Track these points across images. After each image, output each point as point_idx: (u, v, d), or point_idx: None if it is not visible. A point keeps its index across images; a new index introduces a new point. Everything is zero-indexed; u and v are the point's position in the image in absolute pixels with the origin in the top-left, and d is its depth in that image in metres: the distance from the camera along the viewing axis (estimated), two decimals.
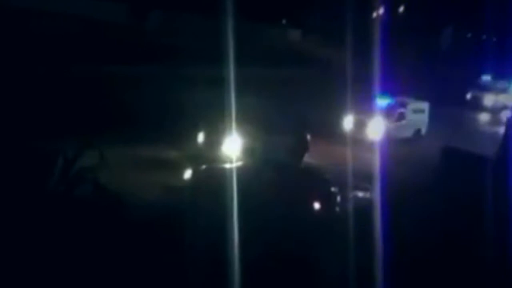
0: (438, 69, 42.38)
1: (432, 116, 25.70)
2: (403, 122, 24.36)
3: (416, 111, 25.18)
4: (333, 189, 12.46)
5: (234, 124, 15.05)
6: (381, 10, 45.98)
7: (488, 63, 41.55)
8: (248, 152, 15.48)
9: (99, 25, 33.02)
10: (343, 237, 10.30)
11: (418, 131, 25.14)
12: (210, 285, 8.60)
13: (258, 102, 20.87)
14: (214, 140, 16.21)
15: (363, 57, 25.69)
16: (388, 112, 23.78)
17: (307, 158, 17.12)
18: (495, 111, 37.55)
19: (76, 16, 33.09)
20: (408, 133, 24.62)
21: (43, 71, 21.17)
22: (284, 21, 50.41)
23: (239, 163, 13.62)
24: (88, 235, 8.78)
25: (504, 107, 37.21)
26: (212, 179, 12.26)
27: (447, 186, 14.81)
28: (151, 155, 16.14)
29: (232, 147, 15.71)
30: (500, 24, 42.41)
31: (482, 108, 38.49)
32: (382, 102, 23.92)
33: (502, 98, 39.37)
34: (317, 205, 11.84)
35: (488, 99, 39.42)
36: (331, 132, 21.66)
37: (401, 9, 53.16)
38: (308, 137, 17.80)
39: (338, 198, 12.45)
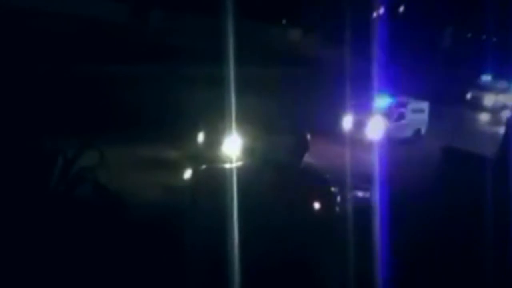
0: (438, 69, 42.43)
1: (432, 116, 25.70)
2: (403, 121, 24.35)
3: (415, 110, 25.16)
4: (333, 189, 12.47)
5: (234, 124, 15.05)
6: (381, 10, 45.97)
7: (488, 63, 41.60)
8: (248, 152, 15.48)
9: (100, 25, 33.02)
10: (343, 237, 10.30)
11: (418, 131, 25.13)
12: (210, 285, 8.60)
13: (258, 102, 20.88)
14: (214, 140, 16.22)
15: (363, 57, 25.72)
16: (387, 111, 23.77)
17: (307, 158, 17.12)
18: (495, 111, 37.61)
19: (77, 16, 33.09)
20: (408, 133, 24.61)
21: (44, 71, 21.16)
22: (284, 21, 50.41)
23: (239, 163, 13.62)
24: (88, 235, 8.78)
25: (504, 107, 37.27)
26: (212, 179, 12.26)
27: (447, 185, 14.82)
28: (151, 155, 16.15)
29: (232, 147, 15.71)
30: (500, 24, 42.41)
31: (482, 108, 38.55)
32: (382, 102, 23.92)
33: (502, 98, 39.43)
34: (317, 205, 11.84)
35: (488, 99, 39.48)
36: (330, 131, 21.66)
37: (401, 9, 53.18)
38: (308, 137, 17.81)
39: (338, 198, 12.46)
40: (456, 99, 36.33)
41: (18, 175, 9.12)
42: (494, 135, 26.79)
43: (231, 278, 8.46)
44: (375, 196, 13.02)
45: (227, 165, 13.41)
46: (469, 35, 56.26)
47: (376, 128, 22.54)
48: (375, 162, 16.41)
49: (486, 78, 42.62)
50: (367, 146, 20.39)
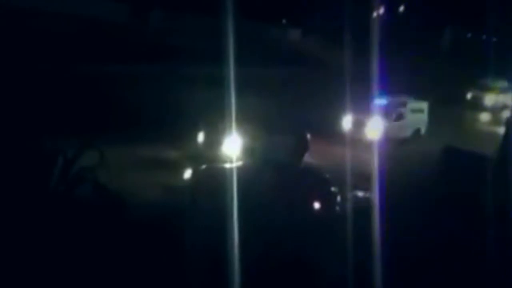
0: (438, 69, 42.45)
1: (432, 116, 25.70)
2: (402, 121, 24.33)
3: (415, 110, 25.15)
4: (333, 189, 12.46)
5: (234, 124, 15.06)
6: (381, 10, 46.00)
7: (488, 63, 41.61)
8: (248, 152, 15.48)
9: (100, 25, 33.05)
10: (344, 237, 10.30)
11: (417, 131, 25.12)
12: (209, 285, 8.60)
13: (258, 102, 20.90)
14: (214, 140, 16.23)
15: (362, 57, 25.71)
16: (387, 111, 23.77)
17: (307, 158, 17.12)
18: (495, 111, 37.63)
19: (77, 16, 33.13)
20: (407, 132, 24.60)
21: (44, 71, 21.17)
22: (284, 21, 50.48)
23: (239, 163, 13.63)
24: (88, 235, 8.78)
25: (504, 107, 37.28)
26: (212, 179, 12.22)
27: (447, 185, 14.81)
28: (151, 155, 16.17)
29: (232, 147, 15.72)
30: (500, 24, 42.45)
31: (482, 108, 38.56)
32: (381, 101, 23.92)
33: (502, 98, 39.45)
34: (317, 205, 11.84)
35: (489, 99, 39.50)
36: (330, 131, 21.68)
37: (401, 9, 53.23)
38: (308, 137, 17.80)
39: (338, 198, 12.45)
40: (456, 99, 36.33)
41: (18, 175, 9.12)
42: (494, 135, 26.80)
43: (231, 278, 8.45)
44: (375, 196, 13.01)
45: (227, 165, 13.39)
46: (469, 35, 56.29)
47: (375, 128, 22.55)
48: (374, 162, 16.41)
49: (487, 78, 42.63)
50: (367, 146, 20.40)
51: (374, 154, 18.02)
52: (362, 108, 23.12)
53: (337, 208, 12.87)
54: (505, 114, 33.29)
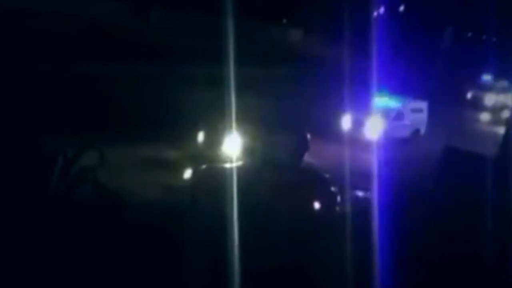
0: (438, 69, 42.46)
1: (432, 116, 25.68)
2: (402, 121, 24.30)
3: (414, 110, 25.11)
4: (333, 189, 12.47)
5: (234, 124, 15.05)
6: (381, 10, 46.02)
7: (488, 63, 41.64)
8: (248, 152, 15.48)
9: (100, 25, 33.03)
10: (344, 237, 10.30)
11: (417, 131, 25.08)
12: (209, 285, 8.60)
13: (258, 102, 20.89)
14: (214, 140, 16.21)
15: (363, 56, 25.73)
16: (386, 111, 23.74)
17: (307, 158, 17.13)
18: (495, 110, 37.63)
19: (77, 16, 33.12)
20: (407, 132, 24.57)
21: (44, 71, 21.17)
22: (284, 21, 50.44)
23: (239, 163, 13.63)
24: (88, 235, 8.78)
25: (505, 107, 37.28)
26: (212, 179, 12.25)
27: (447, 185, 14.80)
28: (151, 155, 16.14)
29: (232, 147, 15.71)
30: (501, 24, 42.46)
31: (482, 108, 38.56)
32: (382, 101, 23.90)
33: (502, 98, 39.46)
34: (317, 205, 11.84)
35: (489, 99, 39.50)
36: (329, 131, 21.66)
37: (402, 8, 53.22)
38: (308, 136, 17.81)
39: (338, 198, 12.46)
40: (456, 99, 36.32)
41: (18, 175, 9.12)
42: (494, 135, 26.80)
43: (231, 278, 8.45)
44: (375, 196, 13.02)
45: (227, 165, 13.40)
46: (469, 35, 56.30)
47: (374, 128, 22.53)
48: (374, 162, 16.42)
49: (487, 78, 42.65)
50: (366, 145, 20.39)
51: (374, 154, 18.02)
52: (362, 108, 23.09)
53: (337, 208, 12.86)
54: (505, 114, 33.29)
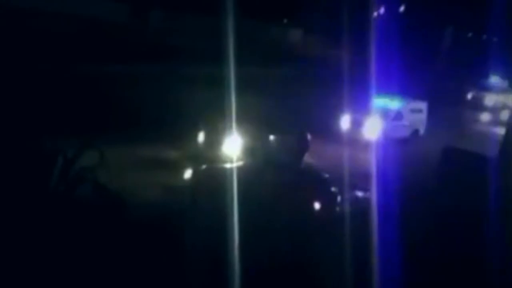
0: (438, 69, 42.50)
1: (432, 116, 25.67)
2: (401, 122, 24.28)
3: (414, 111, 25.09)
4: (333, 189, 12.46)
5: (234, 124, 15.04)
6: (381, 10, 46.01)
7: (488, 63, 41.68)
8: (248, 152, 15.47)
9: (100, 25, 33.03)
10: (343, 237, 10.30)
11: (416, 131, 25.06)
12: (209, 285, 8.60)
13: (258, 102, 20.89)
14: (214, 140, 16.20)
15: (363, 57, 25.73)
16: (385, 112, 23.74)
17: (307, 158, 17.12)
18: (495, 111, 37.65)
19: (77, 16, 33.12)
20: (406, 133, 24.55)
21: (44, 71, 21.17)
22: (285, 21, 50.45)
23: (240, 163, 13.62)
24: (88, 235, 8.78)
25: (505, 107, 37.30)
26: (212, 179, 12.24)
27: (447, 185, 14.81)
28: (151, 155, 16.14)
29: (232, 147, 15.70)
30: (501, 24, 42.45)
31: (483, 108, 38.59)
32: (383, 102, 23.90)
33: (502, 98, 39.50)
34: (317, 205, 11.84)
35: (489, 99, 39.53)
36: (329, 131, 21.66)
37: (402, 8, 53.23)
38: (308, 136, 17.80)
39: (338, 198, 12.45)
40: (456, 99, 36.33)
41: (18, 175, 9.12)
42: (494, 135, 26.80)
43: (231, 278, 8.45)
44: (375, 196, 13.02)
45: (227, 165, 13.40)
46: (469, 35, 56.31)
47: (373, 128, 22.52)
48: (374, 162, 16.41)
49: (488, 78, 42.68)
50: (366, 146, 20.39)
51: (373, 154, 18.02)
52: (361, 108, 23.08)
53: (337, 208, 12.85)
54: (506, 114, 33.29)
